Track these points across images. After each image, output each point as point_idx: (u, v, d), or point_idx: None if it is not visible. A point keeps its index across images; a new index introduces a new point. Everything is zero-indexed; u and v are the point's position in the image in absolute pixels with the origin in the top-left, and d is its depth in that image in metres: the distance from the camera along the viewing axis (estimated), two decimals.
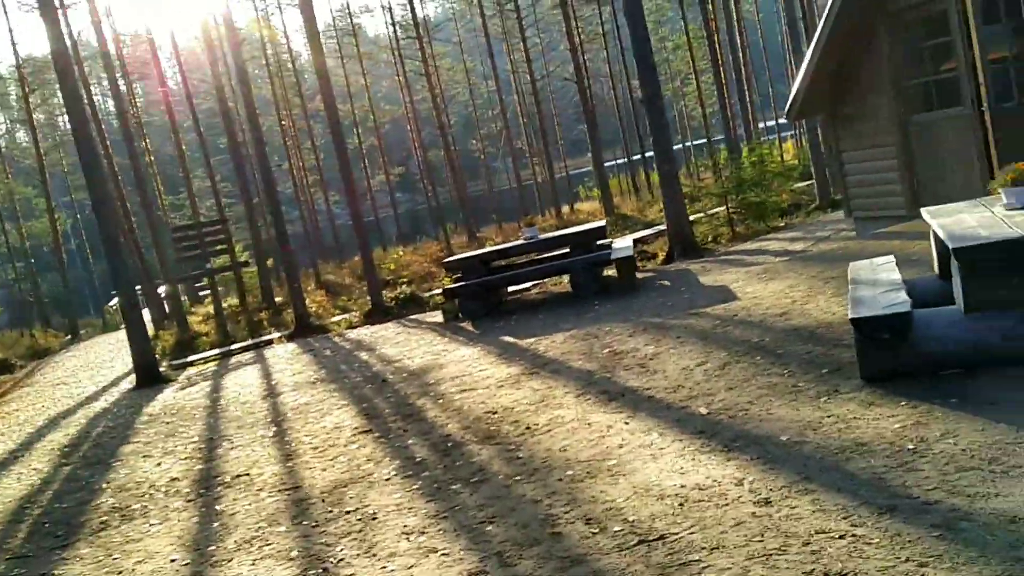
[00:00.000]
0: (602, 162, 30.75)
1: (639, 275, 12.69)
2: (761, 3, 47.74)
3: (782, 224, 17.02)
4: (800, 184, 24.73)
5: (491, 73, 39.67)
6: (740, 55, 27.78)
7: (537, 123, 35.83)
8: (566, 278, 13.90)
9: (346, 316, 18.33)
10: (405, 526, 5.09)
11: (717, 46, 26.32)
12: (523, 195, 33.47)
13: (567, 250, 12.60)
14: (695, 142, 50.52)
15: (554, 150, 45.07)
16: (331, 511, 5.65)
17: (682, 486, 4.72)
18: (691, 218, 16.26)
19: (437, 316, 13.90)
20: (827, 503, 4.12)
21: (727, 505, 4.35)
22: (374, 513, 5.42)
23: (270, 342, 16.51)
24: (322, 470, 6.65)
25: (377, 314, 17.07)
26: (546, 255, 13.04)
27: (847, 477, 4.38)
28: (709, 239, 16.41)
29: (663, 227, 21.88)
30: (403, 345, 11.55)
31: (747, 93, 28.74)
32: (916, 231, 10.17)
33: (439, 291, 16.06)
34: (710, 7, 26.03)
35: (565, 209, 37.83)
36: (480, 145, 46.54)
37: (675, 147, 51.55)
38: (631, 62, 46.56)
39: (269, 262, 27.43)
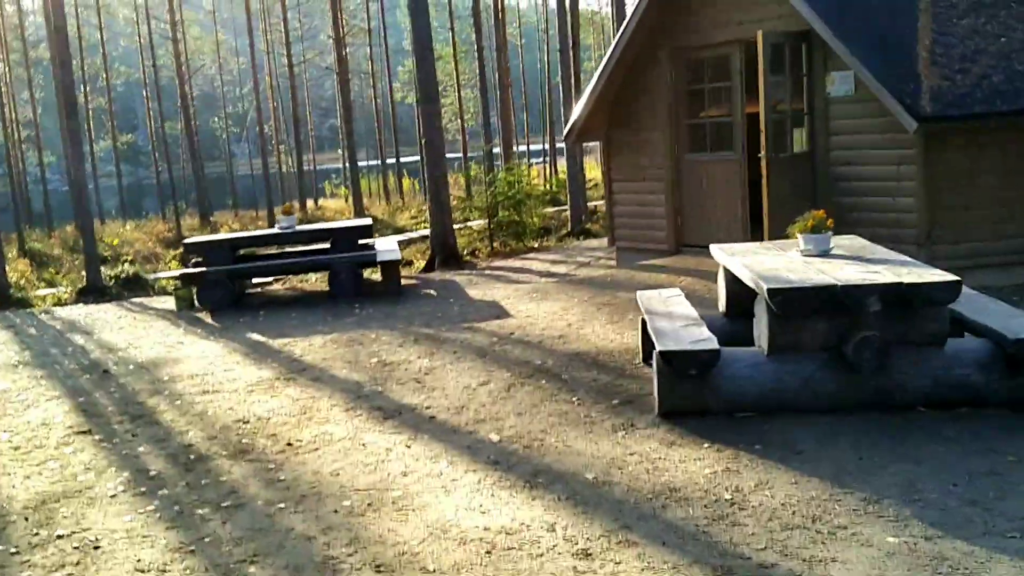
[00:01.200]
0: (356, 160, 29.77)
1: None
2: (524, 30, 48.95)
3: (536, 246, 17.07)
4: (549, 209, 25.22)
5: (244, 50, 37.42)
6: (502, 75, 27.99)
7: (291, 110, 34.12)
8: (314, 276, 12.99)
9: (55, 291, 16.12)
10: (139, 560, 4.10)
11: (480, 62, 26.35)
12: (267, 183, 31.62)
13: (326, 246, 11.70)
14: (448, 156, 50.75)
15: (302, 142, 43.31)
16: (37, 534, 4.50)
17: (486, 528, 4.12)
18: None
19: (168, 302, 12.40)
20: (654, 559, 3.70)
21: (542, 556, 3.80)
22: (96, 540, 4.36)
23: None
24: (25, 478, 5.40)
25: (93, 293, 15.11)
26: (302, 249, 12.03)
27: (669, 529, 3.99)
28: (467, 252, 16.10)
29: (415, 235, 21.50)
30: (128, 332, 10.10)
31: (508, 114, 29.08)
32: (680, 267, 10.35)
33: (169, 274, 14.50)
34: (480, 22, 26.03)
35: (310, 204, 36.36)
36: (224, 124, 43.77)
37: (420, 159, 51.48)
38: (394, 63, 45.96)
39: None
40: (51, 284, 18.51)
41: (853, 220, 9.43)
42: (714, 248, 7.05)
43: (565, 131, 12.41)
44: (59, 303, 14.29)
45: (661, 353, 5.19)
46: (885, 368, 5.14)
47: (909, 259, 6.01)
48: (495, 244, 16.82)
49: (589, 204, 22.27)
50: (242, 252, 11.84)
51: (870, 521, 3.93)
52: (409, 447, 5.37)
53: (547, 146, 38.26)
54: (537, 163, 39.38)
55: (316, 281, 12.90)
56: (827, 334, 5.29)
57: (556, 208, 25.28)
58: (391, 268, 11.12)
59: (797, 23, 9.40)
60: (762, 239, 10.54)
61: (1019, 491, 4.15)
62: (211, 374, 7.66)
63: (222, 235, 11.89)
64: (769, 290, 5.10)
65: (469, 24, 39.63)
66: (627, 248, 12.13)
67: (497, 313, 9.36)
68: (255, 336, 9.24)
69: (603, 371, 6.76)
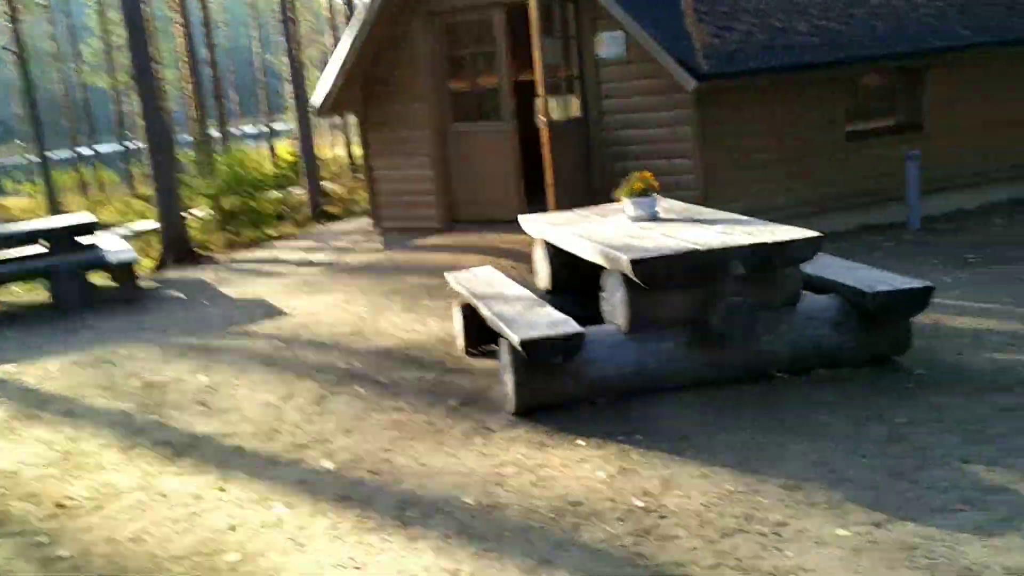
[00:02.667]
0: (46, 152, 26.27)
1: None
2: (225, 5, 45.86)
3: (276, 234, 15.73)
4: (275, 193, 23.60)
5: None
6: (212, 53, 25.80)
7: None
8: (15, 286, 10.97)
9: None
10: None
11: (188, 39, 24.11)
12: None
13: (41, 249, 9.83)
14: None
15: None
16: None
17: None
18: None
19: None
20: None
21: None
22: None
23: None
24: None
25: None
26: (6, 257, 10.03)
27: (596, 556, 3.34)
28: (198, 246, 14.46)
29: (124, 231, 19.17)
30: None
31: (220, 94, 26.86)
32: (460, 244, 9.72)
33: None
34: None
35: None
36: None
37: (119, 148, 47.04)
38: (77, 42, 41.21)
39: None
40: None
41: None
42: (529, 219, 6.49)
43: (317, 105, 11.29)
44: None
45: (523, 342, 4.50)
46: (752, 336, 4.80)
47: (738, 216, 5.75)
48: (229, 234, 15.27)
49: (325, 185, 21.08)
50: None
51: (806, 513, 3.51)
52: (224, 491, 4.30)
53: (265, 127, 36.14)
54: (254, 145, 37.14)
55: (27, 293, 10.88)
56: (687, 305, 4.87)
57: (283, 191, 23.72)
58: (127, 270, 9.52)
59: None
60: (543, 210, 10.18)
61: (933, 456, 3.92)
62: None
63: None
64: (632, 261, 4.56)
65: None
66: (393, 228, 11.32)
67: (269, 312, 8.22)
68: None
69: (423, 368, 5.97)
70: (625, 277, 4.76)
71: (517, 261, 8.64)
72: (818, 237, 4.77)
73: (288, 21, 18.67)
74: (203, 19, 24.35)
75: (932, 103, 9.84)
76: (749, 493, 3.71)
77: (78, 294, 9.32)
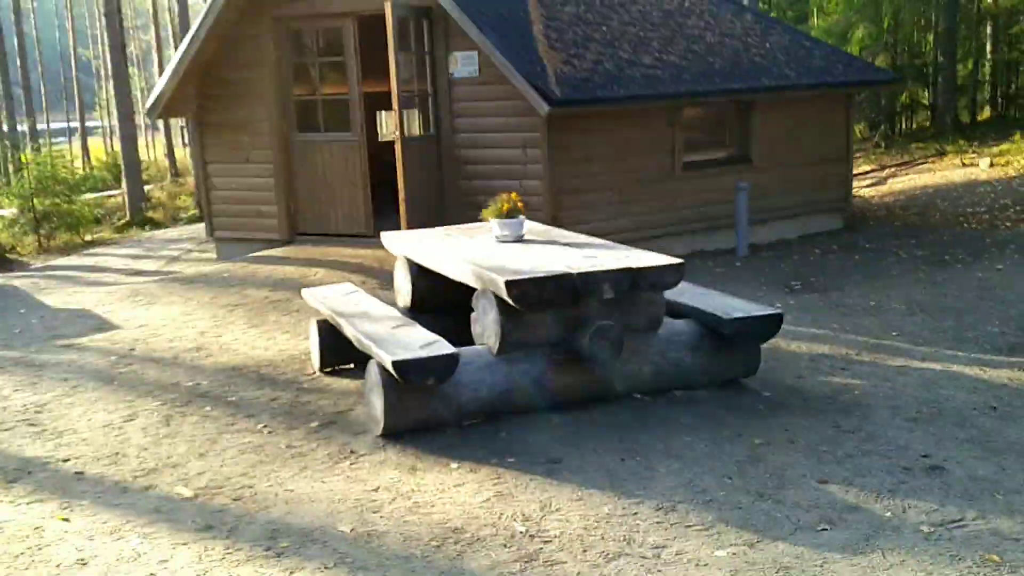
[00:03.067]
0: None
1: None
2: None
3: (93, 239, 14.77)
4: (88, 195, 22.21)
5: None
6: (22, 43, 23.92)
7: None
8: None
9: None
10: None
11: None
12: None
13: None
14: None
15: None
16: None
17: None
18: None
19: None
20: None
21: None
22: None
23: None
24: None
25: None
26: None
27: None
28: (7, 249, 13.39)
29: None
30: None
31: (27, 85, 24.83)
32: (303, 257, 9.44)
33: None
34: None
35: None
36: None
37: None
38: None
39: None
40: None
41: (481, 204, 9.28)
42: (391, 236, 6.38)
43: (147, 106, 10.70)
44: None
45: (396, 364, 4.40)
46: (619, 358, 4.91)
47: (598, 240, 5.89)
48: (41, 238, 14.20)
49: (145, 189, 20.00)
50: None
51: (683, 534, 3.61)
52: (68, 521, 3.95)
53: (77, 124, 33.89)
54: (62, 142, 34.78)
55: None
56: (556, 327, 4.92)
57: (98, 194, 22.31)
58: None
59: None
60: (390, 226, 10.06)
61: (791, 477, 4.13)
62: None
63: None
64: (507, 283, 4.57)
65: None
66: (230, 239, 10.85)
67: (98, 324, 7.68)
68: None
69: (277, 387, 5.74)
70: (498, 298, 4.76)
71: (367, 277, 8.50)
72: (681, 264, 4.95)
73: (113, 14, 17.60)
74: (12, 5, 22.54)
75: (759, 138, 10.46)
76: (626, 516, 3.78)
77: None
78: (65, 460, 4.67)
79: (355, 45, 9.63)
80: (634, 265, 4.85)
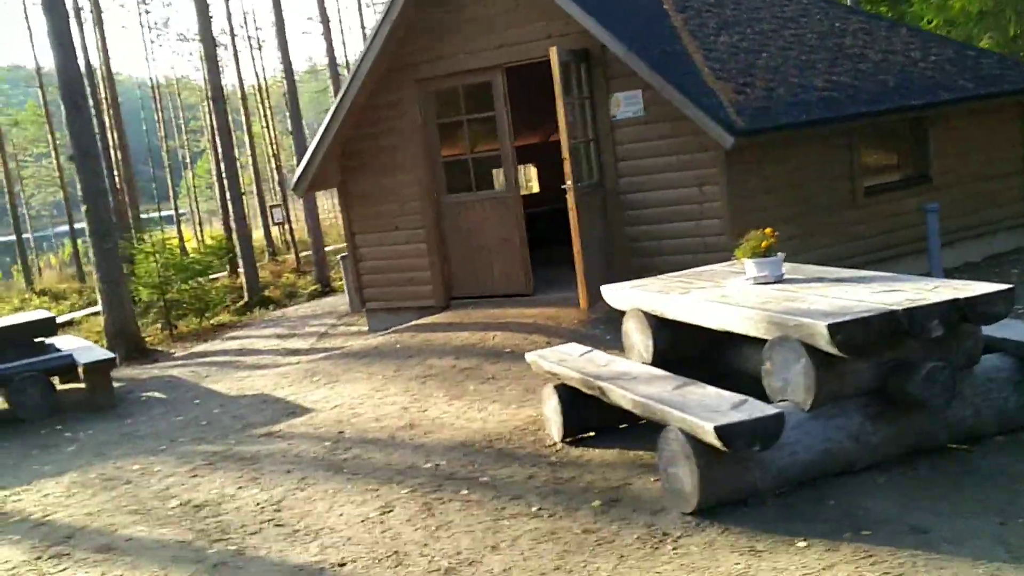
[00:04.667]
0: None
1: None
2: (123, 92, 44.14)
3: (225, 323, 14.60)
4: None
5: None
6: (121, 136, 24.32)
7: None
8: None
9: None
10: None
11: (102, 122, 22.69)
12: None
13: None
14: (50, 231, 43.93)
15: None
16: None
17: None
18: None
19: None
20: None
21: None
22: None
23: None
24: None
25: None
26: None
27: None
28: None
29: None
30: None
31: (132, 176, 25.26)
32: (470, 322, 8.96)
33: None
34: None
35: None
36: None
37: (8, 238, 44.18)
38: None
39: None
40: None
41: (650, 250, 8.80)
42: (615, 289, 5.85)
43: (294, 182, 10.48)
44: None
45: (719, 429, 3.82)
46: (951, 401, 4.26)
47: (869, 272, 5.29)
48: (171, 325, 14.05)
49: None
50: None
51: None
52: None
53: (166, 212, 34.51)
54: (154, 231, 35.41)
55: None
56: (871, 373, 4.30)
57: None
58: (101, 372, 8.38)
59: (574, 41, 8.58)
60: (550, 284, 9.59)
61: None
62: None
63: None
64: (831, 326, 3.97)
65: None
66: (380, 310, 10.48)
67: (288, 409, 7.27)
68: None
69: (525, 463, 5.20)
70: (807, 346, 4.17)
71: (549, 336, 7.98)
72: (1011, 289, 4.31)
73: (219, 99, 17.69)
74: (111, 106, 23.02)
75: (937, 155, 9.77)
76: None
77: (42, 401, 8.13)
78: (341, 565, 4.17)
79: (505, 98, 9.27)
80: (961, 296, 4.22)
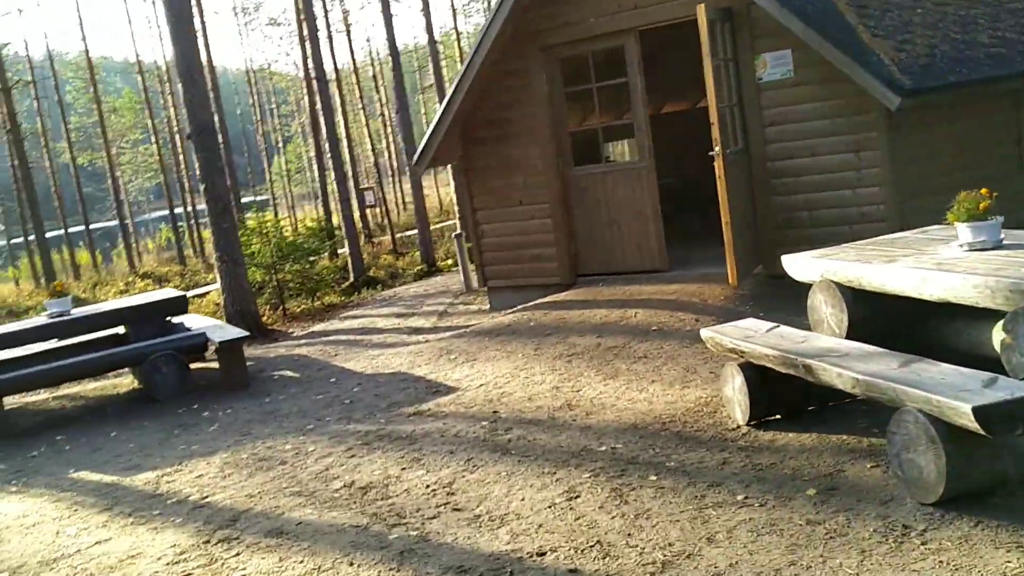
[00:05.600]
0: (44, 230, 24.85)
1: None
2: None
3: (336, 302, 14.50)
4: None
5: None
6: (222, 120, 24.57)
7: None
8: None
9: None
10: None
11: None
12: None
13: (115, 334, 8.58)
14: (146, 216, 45.09)
15: None
16: None
17: None
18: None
19: None
20: None
21: None
22: None
23: None
24: None
25: None
26: (82, 341, 8.69)
27: None
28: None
29: None
30: None
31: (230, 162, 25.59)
32: (604, 299, 8.58)
33: None
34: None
35: None
36: None
37: (108, 223, 45.47)
38: (55, 121, 39.74)
39: None
40: None
41: (801, 221, 8.28)
42: (796, 260, 5.38)
43: (415, 159, 10.23)
44: None
45: (978, 410, 3.36)
46: None
47: None
48: (283, 305, 14.01)
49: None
50: None
51: None
52: None
53: (270, 196, 34.92)
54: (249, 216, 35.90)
55: (103, 384, 9.52)
56: None
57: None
58: (234, 351, 8.24)
59: None
60: (687, 259, 9.14)
61: None
62: (71, 553, 4.66)
63: None
64: None
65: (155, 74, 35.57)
66: (502, 288, 10.17)
67: (431, 388, 7.00)
68: (85, 475, 6.14)
69: (712, 448, 4.80)
70: None
71: (697, 314, 7.55)
72: None
73: (325, 90, 17.59)
74: (211, 84, 23.18)
75: None
76: None
77: (177, 381, 8.04)
78: (540, 554, 3.84)
79: (639, 63, 8.82)
80: None
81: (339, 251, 21.19)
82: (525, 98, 9.49)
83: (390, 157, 37.25)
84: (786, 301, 7.58)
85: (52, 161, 34.18)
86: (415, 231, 29.33)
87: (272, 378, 8.43)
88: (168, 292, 9.76)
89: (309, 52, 17.05)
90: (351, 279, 17.05)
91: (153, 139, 33.72)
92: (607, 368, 6.63)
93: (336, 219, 22.78)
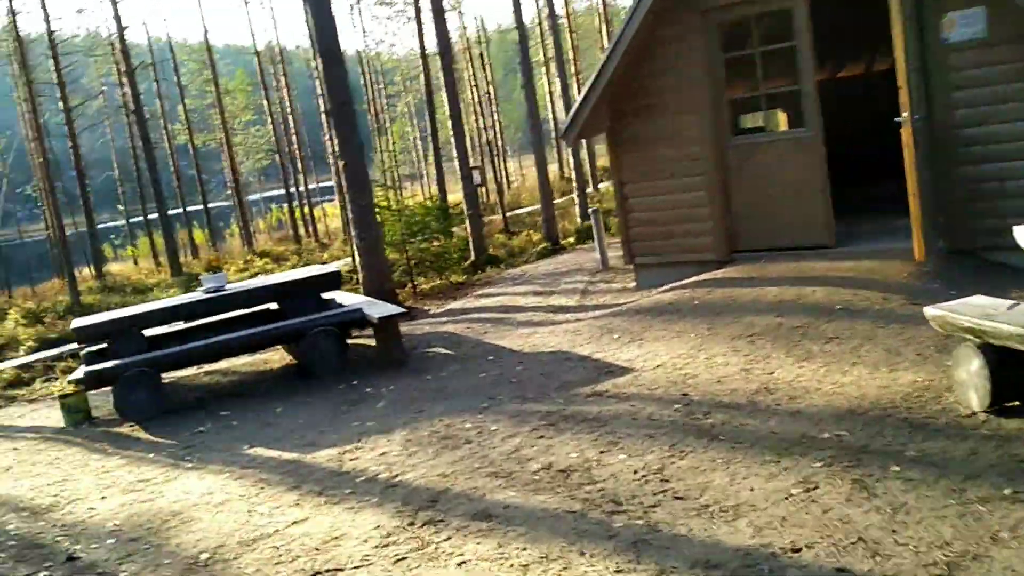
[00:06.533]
0: (166, 210, 25.48)
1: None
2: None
3: (464, 280, 14.33)
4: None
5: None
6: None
7: (74, 164, 28.80)
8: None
9: None
10: None
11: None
12: (64, 248, 26.09)
13: (268, 309, 8.55)
14: (255, 197, 46.06)
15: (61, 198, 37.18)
16: None
17: None
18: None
19: (38, 416, 8.75)
20: None
21: None
22: None
23: None
24: None
25: None
26: (234, 317, 8.69)
27: None
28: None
29: None
30: (25, 475, 6.54)
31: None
32: (772, 276, 8.12)
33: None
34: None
35: (85, 272, 30.29)
36: None
37: (220, 204, 46.62)
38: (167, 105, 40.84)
39: None
40: None
41: (993, 192, 7.65)
42: None
43: (563, 130, 9.92)
44: None
45: None
46: None
47: None
48: (413, 283, 13.92)
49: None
50: (149, 334, 8.36)
51: None
52: None
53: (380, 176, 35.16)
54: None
55: (252, 360, 9.54)
56: None
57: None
58: (391, 328, 8.11)
59: None
60: (852, 234, 8.61)
61: None
62: (269, 533, 4.53)
63: (125, 312, 8.34)
64: None
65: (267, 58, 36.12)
66: (651, 265, 9.79)
67: (601, 367, 6.71)
68: (262, 452, 6.06)
69: (952, 437, 4.37)
70: None
71: (880, 291, 7.04)
72: None
73: (449, 68, 17.43)
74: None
75: None
76: None
77: (336, 358, 7.94)
78: (795, 550, 3.49)
79: (807, 26, 8.29)
80: None
81: (452, 230, 21.07)
82: (680, 65, 9.06)
83: (495, 136, 37.06)
84: (977, 277, 7.05)
85: (170, 142, 35.08)
86: (524, 210, 29.14)
87: (427, 355, 8.26)
88: (322, 268, 9.72)
89: (434, 25, 16.85)
90: (472, 258, 16.87)
91: (268, 119, 34.27)
92: (797, 350, 6.21)
93: (451, 198, 22.68)
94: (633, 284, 10.02)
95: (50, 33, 26.18)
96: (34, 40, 29.12)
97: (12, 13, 22.84)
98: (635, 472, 4.55)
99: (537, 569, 3.67)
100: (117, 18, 25.73)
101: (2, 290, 25.86)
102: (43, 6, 25.96)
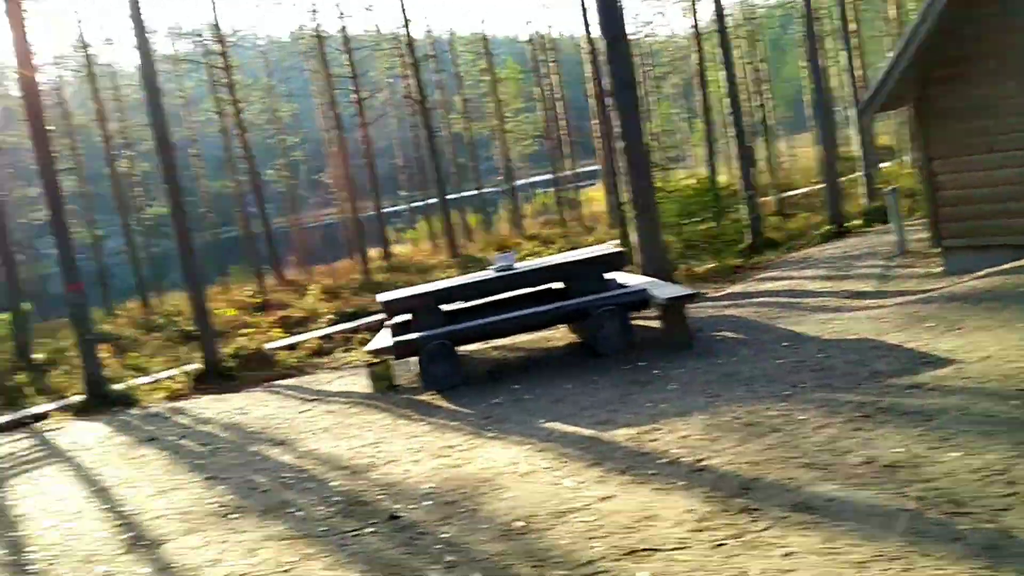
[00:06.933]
0: (445, 194, 26.88)
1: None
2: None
3: (740, 263, 13.90)
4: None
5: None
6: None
7: (363, 153, 31.05)
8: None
9: (160, 379, 13.05)
10: None
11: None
12: (359, 229, 28.30)
13: (551, 288, 8.69)
14: (521, 182, 47.65)
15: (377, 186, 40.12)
16: None
17: None
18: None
19: (345, 382, 9.47)
20: None
21: None
22: None
23: (44, 416, 11.19)
24: None
25: (213, 378, 12.29)
26: (521, 294, 8.93)
27: None
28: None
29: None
30: (342, 437, 7.07)
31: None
32: None
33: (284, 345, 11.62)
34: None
35: (373, 253, 32.42)
36: (283, 175, 40.88)
37: (492, 189, 48.56)
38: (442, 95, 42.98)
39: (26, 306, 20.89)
40: (139, 370, 15.40)
41: None
42: None
43: (863, 103, 9.34)
44: (173, 395, 11.38)
45: None
46: None
47: None
48: (690, 267, 13.69)
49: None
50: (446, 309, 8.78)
51: None
52: None
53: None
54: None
55: (535, 337, 9.78)
56: None
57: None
58: (677, 310, 7.99)
59: None
60: None
61: None
62: (578, 508, 4.56)
63: (426, 287, 8.82)
64: None
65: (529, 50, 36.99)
66: (961, 248, 8.97)
67: (920, 358, 6.20)
68: (558, 426, 6.16)
69: None
70: None
71: None
72: None
73: (728, 48, 16.99)
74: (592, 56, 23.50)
75: None
76: None
77: (621, 338, 7.94)
78: None
79: None
80: None
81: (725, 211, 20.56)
82: (999, 26, 8.20)
83: (764, 116, 35.71)
84: None
85: (449, 130, 36.89)
86: (797, 192, 27.89)
87: (714, 339, 8.07)
88: (606, 248, 9.80)
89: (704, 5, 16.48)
90: (748, 241, 16.35)
91: (541, 106, 35.12)
92: None
93: (724, 178, 22.12)
94: (940, 269, 9.25)
95: (343, 30, 28.29)
96: (327, 37, 31.61)
97: (340, 16, 24.82)
98: (973, 471, 4.14)
99: (875, 567, 3.42)
100: (403, 11, 27.34)
101: (305, 268, 28.38)
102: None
